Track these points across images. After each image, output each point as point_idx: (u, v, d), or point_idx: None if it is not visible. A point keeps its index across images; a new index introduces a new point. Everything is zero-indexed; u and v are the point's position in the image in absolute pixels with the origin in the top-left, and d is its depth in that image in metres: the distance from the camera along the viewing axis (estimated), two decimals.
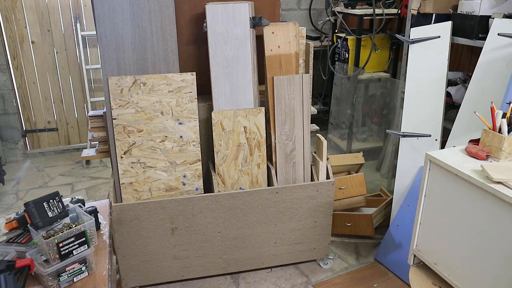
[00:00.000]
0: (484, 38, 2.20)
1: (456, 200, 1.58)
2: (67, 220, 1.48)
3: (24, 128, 4.02)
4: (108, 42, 2.04)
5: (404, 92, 2.35)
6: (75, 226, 1.41)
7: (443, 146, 2.32)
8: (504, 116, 1.60)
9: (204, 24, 2.11)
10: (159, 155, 2.16)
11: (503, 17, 2.20)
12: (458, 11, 2.50)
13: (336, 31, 4.01)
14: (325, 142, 2.27)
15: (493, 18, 2.23)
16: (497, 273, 1.45)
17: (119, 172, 2.13)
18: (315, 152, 2.37)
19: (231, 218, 2.21)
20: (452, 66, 3.21)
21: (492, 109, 1.61)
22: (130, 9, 2.03)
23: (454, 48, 3.21)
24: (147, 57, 2.10)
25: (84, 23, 3.90)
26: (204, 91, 2.25)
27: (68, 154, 4.13)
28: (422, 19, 2.65)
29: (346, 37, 3.62)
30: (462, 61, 3.24)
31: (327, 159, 2.31)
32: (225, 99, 2.19)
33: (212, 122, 2.18)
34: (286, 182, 2.32)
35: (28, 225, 1.40)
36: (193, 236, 2.19)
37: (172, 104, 2.13)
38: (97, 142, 2.24)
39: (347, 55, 3.65)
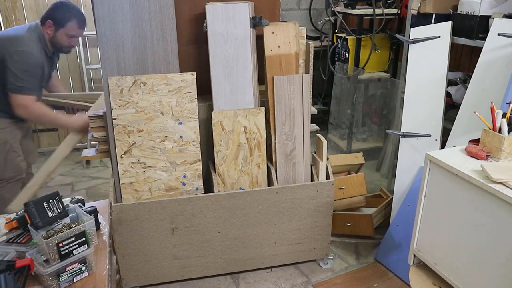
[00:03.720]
0: (484, 38, 2.20)
1: (456, 200, 1.58)
2: (67, 220, 1.48)
3: None
4: (108, 42, 2.04)
5: (404, 92, 2.35)
6: (75, 226, 1.41)
7: (443, 146, 2.32)
8: (504, 116, 1.60)
9: (204, 24, 2.11)
10: (159, 155, 2.16)
11: (503, 17, 2.20)
12: (458, 11, 2.50)
13: (336, 31, 4.01)
14: (325, 142, 2.27)
15: (493, 18, 2.23)
16: (497, 273, 1.45)
17: (119, 172, 2.13)
18: (315, 152, 2.37)
19: (231, 218, 2.20)
20: (452, 66, 3.21)
21: (492, 109, 1.61)
22: (130, 9, 2.03)
23: (454, 48, 3.21)
24: (147, 57, 2.09)
25: None
26: (204, 91, 2.25)
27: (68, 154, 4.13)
28: (422, 19, 2.65)
29: (346, 37, 3.62)
30: (462, 61, 3.24)
31: (327, 159, 2.31)
32: (225, 99, 2.19)
33: (212, 122, 2.18)
34: (286, 182, 2.32)
35: (28, 225, 1.40)
36: (193, 236, 2.19)
37: (172, 104, 2.13)
38: (97, 142, 2.24)
39: (347, 55, 3.65)
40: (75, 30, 2.37)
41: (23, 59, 2.22)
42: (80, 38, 3.76)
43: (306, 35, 2.33)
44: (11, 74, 2.21)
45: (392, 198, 2.52)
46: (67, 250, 1.36)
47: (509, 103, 1.68)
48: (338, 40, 3.77)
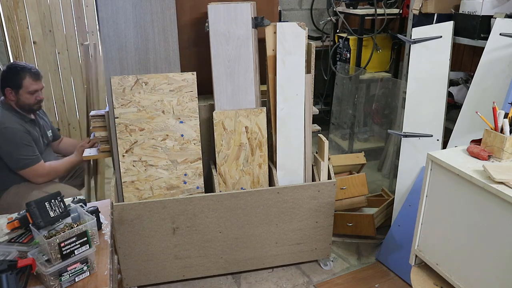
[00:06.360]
0: (486, 38, 2.20)
1: (458, 200, 1.57)
2: (68, 220, 1.48)
3: None
4: (111, 42, 2.05)
5: (405, 92, 2.34)
6: (76, 226, 1.41)
7: (444, 146, 2.32)
8: (506, 116, 1.60)
9: (206, 24, 2.11)
10: (160, 153, 2.16)
11: (505, 17, 2.19)
12: (460, 11, 2.50)
13: (338, 31, 4.01)
14: (326, 142, 2.27)
15: (495, 18, 2.23)
16: (499, 274, 1.44)
17: (121, 170, 2.13)
18: (316, 152, 2.37)
19: (232, 218, 2.21)
20: (454, 66, 3.21)
21: (494, 109, 1.61)
22: (133, 10, 2.04)
23: (456, 48, 3.21)
24: (149, 57, 2.10)
25: (86, 24, 3.90)
26: (205, 91, 2.25)
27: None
28: (424, 19, 2.64)
29: (348, 37, 3.62)
30: (464, 61, 3.23)
31: (329, 159, 2.31)
32: (227, 99, 2.19)
33: (214, 122, 2.18)
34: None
35: (30, 225, 1.40)
36: (194, 236, 2.19)
37: (173, 103, 2.13)
38: (99, 142, 2.24)
39: (348, 55, 3.65)
40: (33, 84, 2.29)
41: (7, 137, 2.19)
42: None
43: (308, 35, 2.33)
44: (6, 156, 2.21)
45: (393, 198, 2.52)
46: (68, 250, 1.36)
47: (511, 103, 1.68)
48: (340, 40, 3.77)
